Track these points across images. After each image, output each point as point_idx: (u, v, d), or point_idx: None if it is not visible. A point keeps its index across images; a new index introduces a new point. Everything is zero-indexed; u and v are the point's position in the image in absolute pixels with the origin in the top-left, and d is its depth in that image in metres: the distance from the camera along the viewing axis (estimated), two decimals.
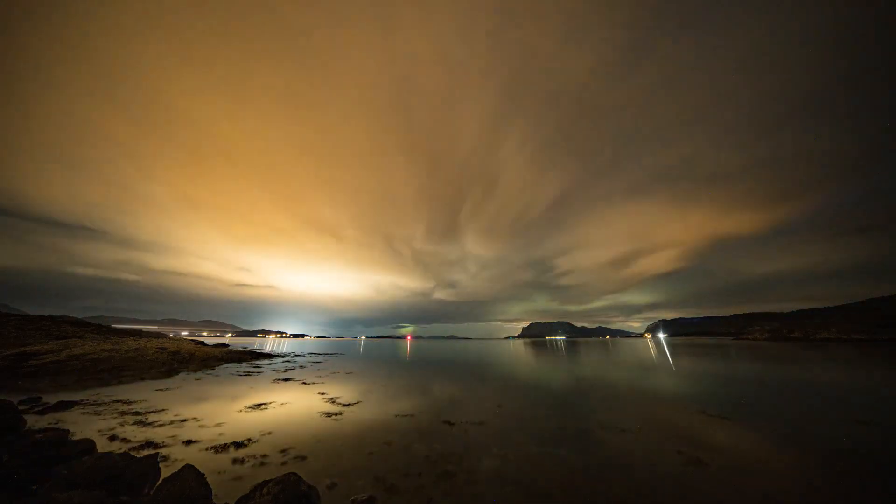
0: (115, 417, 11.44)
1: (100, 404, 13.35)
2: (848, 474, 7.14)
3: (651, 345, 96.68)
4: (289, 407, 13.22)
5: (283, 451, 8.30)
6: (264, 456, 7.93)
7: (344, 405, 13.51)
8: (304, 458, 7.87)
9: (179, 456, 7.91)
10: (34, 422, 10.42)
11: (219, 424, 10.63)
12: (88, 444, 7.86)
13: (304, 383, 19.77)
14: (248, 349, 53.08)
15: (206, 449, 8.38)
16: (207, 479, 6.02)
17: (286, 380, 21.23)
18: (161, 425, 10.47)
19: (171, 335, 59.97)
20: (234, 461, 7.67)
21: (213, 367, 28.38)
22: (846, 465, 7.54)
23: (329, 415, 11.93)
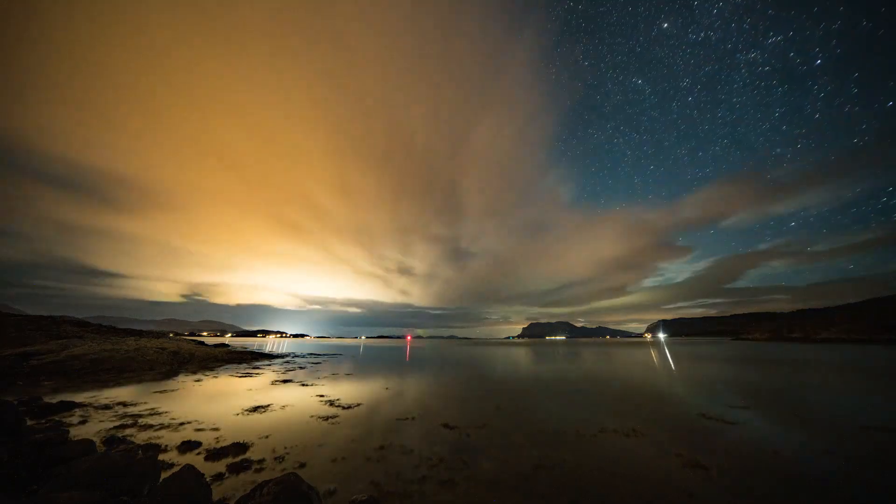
0: (115, 418, 11.45)
1: (100, 405, 13.36)
2: (851, 480, 7.08)
3: (651, 345, 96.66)
4: (288, 409, 13.20)
5: (282, 453, 8.30)
6: (263, 459, 7.92)
7: (343, 408, 13.47)
8: (303, 461, 7.86)
9: (179, 457, 7.93)
10: (34, 422, 10.43)
11: (218, 426, 10.63)
12: (88, 445, 7.86)
13: (304, 385, 19.76)
14: (247, 349, 53.08)
15: (206, 450, 8.38)
16: (207, 480, 6.03)
17: (285, 381, 21.23)
18: (161, 427, 10.48)
19: (171, 335, 59.95)
20: (234, 463, 7.66)
21: (212, 368, 28.41)
22: (849, 471, 7.45)
23: (328, 417, 11.91)
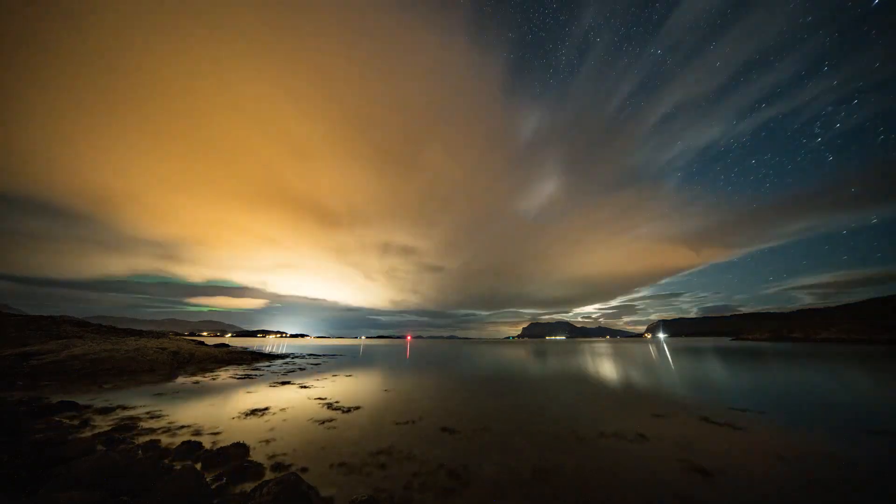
0: (115, 419, 11.46)
1: (100, 406, 13.36)
2: (855, 485, 7.02)
3: (651, 345, 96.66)
4: (288, 412, 13.13)
5: (281, 457, 8.26)
6: (262, 463, 7.87)
7: (343, 411, 13.35)
8: (302, 465, 7.81)
9: (179, 458, 7.92)
10: (34, 422, 10.42)
11: (218, 429, 10.62)
12: (88, 445, 7.87)
13: (303, 387, 19.68)
14: (247, 350, 53.05)
15: (206, 452, 8.36)
16: (207, 481, 6.03)
17: (285, 383, 21.17)
18: (161, 429, 10.48)
19: (171, 335, 59.80)
20: (234, 465, 7.64)
21: (212, 369, 28.39)
22: (852, 477, 7.37)
23: (328, 420, 11.83)
